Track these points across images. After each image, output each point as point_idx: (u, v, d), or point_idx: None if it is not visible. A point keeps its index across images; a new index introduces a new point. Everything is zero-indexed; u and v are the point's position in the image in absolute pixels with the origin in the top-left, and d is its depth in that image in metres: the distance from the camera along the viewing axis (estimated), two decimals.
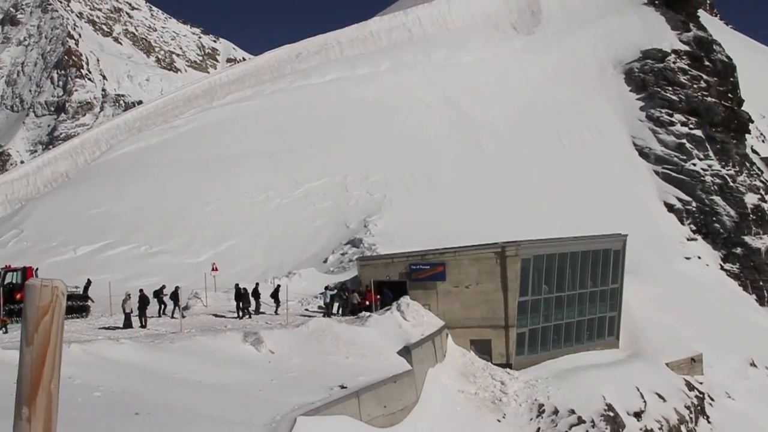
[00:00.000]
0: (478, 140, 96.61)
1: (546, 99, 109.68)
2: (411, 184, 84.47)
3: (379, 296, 45.91)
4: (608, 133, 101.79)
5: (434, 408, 33.97)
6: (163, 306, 43.59)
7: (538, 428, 38.91)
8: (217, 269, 52.76)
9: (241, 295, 42.78)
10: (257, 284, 47.16)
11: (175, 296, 42.27)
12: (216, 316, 43.51)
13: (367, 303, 44.74)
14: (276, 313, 44.09)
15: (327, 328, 35.97)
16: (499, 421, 37.85)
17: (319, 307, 47.36)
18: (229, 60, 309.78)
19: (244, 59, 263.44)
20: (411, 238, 62.74)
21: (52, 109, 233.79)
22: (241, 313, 42.52)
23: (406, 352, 35.22)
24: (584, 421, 39.88)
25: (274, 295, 45.43)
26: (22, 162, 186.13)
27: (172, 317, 42.37)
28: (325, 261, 68.18)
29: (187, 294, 45.95)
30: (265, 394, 25.12)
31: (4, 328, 37.32)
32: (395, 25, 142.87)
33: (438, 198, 79.95)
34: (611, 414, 41.65)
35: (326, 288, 47.34)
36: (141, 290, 39.22)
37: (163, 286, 44.49)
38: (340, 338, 34.89)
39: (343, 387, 27.12)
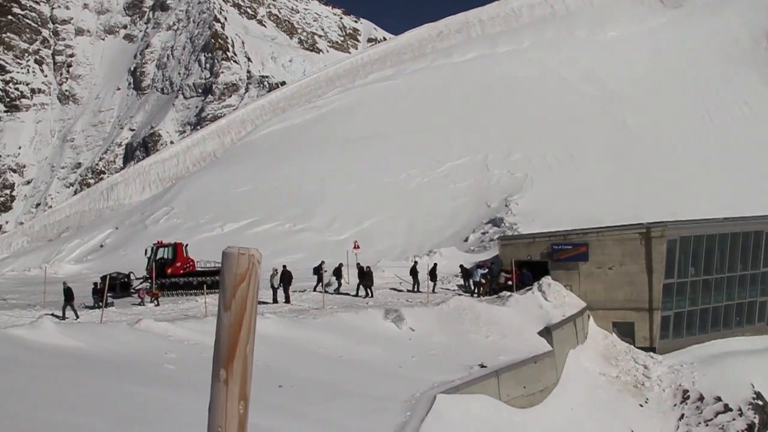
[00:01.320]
0: (622, 118, 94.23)
1: (694, 74, 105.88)
2: (553, 162, 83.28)
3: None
4: (760, 110, 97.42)
5: (574, 390, 33.57)
6: (321, 282, 44.50)
7: (682, 414, 37.82)
8: (359, 247, 53.48)
9: (364, 274, 43.18)
10: (368, 267, 47.61)
11: (361, 273, 43.16)
12: (354, 295, 44.12)
13: (509, 283, 44.43)
14: (433, 291, 44.14)
15: (467, 307, 35.97)
16: (641, 405, 37.05)
17: (459, 286, 47.34)
18: (370, 40, 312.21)
19: (385, 39, 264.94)
20: (553, 218, 62.03)
21: (200, 90, 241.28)
22: (364, 292, 42.88)
23: (546, 332, 34.89)
24: (731, 409, 38.48)
25: (432, 272, 45.57)
26: (171, 142, 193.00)
27: (337, 293, 43.39)
28: (466, 240, 68.08)
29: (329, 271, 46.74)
30: (405, 371, 25.38)
31: (156, 301, 38.77)
32: (537, 2, 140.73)
33: (581, 177, 78.54)
34: (760, 403, 39.99)
35: (477, 266, 47.22)
36: (284, 266, 39.97)
37: (322, 262, 45.33)
38: (480, 317, 34.85)
39: (482, 366, 27.10)
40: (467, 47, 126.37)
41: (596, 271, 44.81)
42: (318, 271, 44.77)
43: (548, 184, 77.47)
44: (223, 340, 3.39)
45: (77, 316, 30.80)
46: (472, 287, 45.18)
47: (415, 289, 44.38)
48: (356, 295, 42.15)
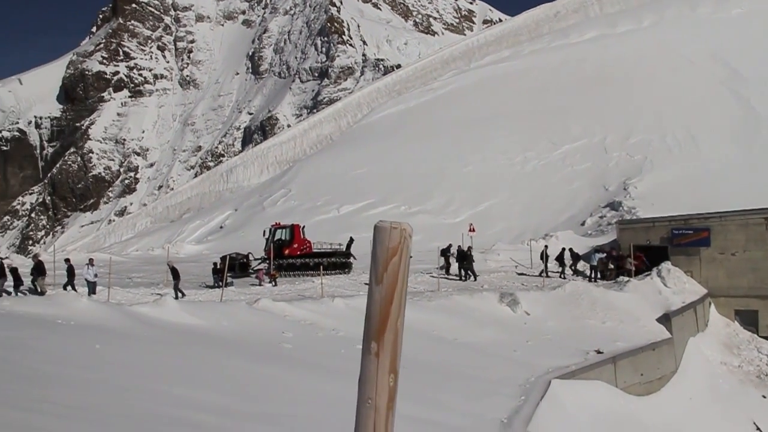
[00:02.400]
0: (747, 98, 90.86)
1: None
2: (673, 144, 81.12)
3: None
4: None
5: (694, 379, 32.76)
6: (447, 265, 44.76)
7: None
8: (474, 230, 53.36)
9: (464, 256, 43.02)
10: (470, 247, 47.32)
11: (462, 256, 43.32)
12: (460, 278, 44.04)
13: (629, 267, 43.61)
14: (562, 276, 43.74)
15: (584, 291, 35.53)
16: (764, 397, 35.87)
17: (575, 271, 46.70)
18: (485, 21, 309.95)
19: (500, 20, 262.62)
20: (673, 202, 60.47)
21: (316, 74, 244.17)
22: (464, 276, 42.71)
23: (665, 319, 34.15)
24: None
25: (560, 257, 45.21)
26: (288, 125, 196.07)
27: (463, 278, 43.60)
28: (583, 224, 67.12)
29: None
30: (520, 355, 25.26)
31: (274, 282, 39.53)
32: None
33: (703, 159, 76.25)
34: None
35: (595, 250, 46.62)
36: (459, 247, 40.22)
37: (450, 245, 45.48)
38: (596, 302, 34.37)
39: (599, 352, 26.75)
40: (585, 27, 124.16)
41: (718, 257, 43.52)
42: (445, 253, 45.04)
43: (668, 166, 75.54)
44: (375, 314, 3.47)
45: (183, 295, 31.60)
46: (589, 271, 44.59)
47: (544, 274, 44.08)
48: (459, 278, 42.21)
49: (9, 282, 30.87)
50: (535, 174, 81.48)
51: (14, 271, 31.34)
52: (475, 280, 41.90)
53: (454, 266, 44.35)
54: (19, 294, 30.10)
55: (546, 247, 47.10)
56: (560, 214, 71.62)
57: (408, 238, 3.48)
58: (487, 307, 31.90)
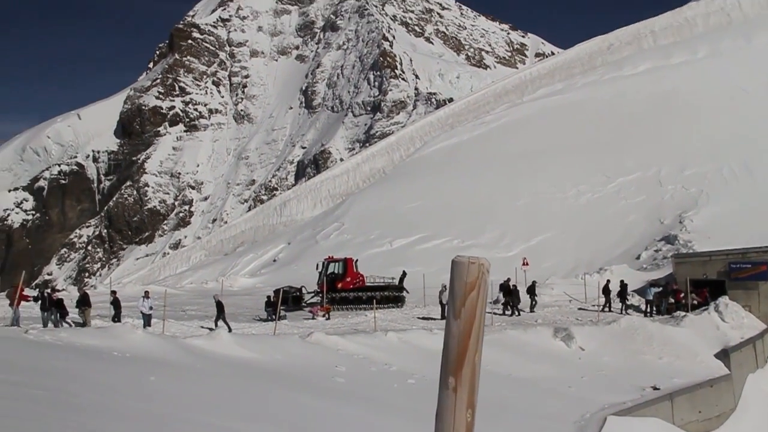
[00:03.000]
0: None
1: None
2: (730, 177, 79.92)
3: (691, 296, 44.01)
4: None
5: (754, 416, 32.06)
6: (508, 301, 44.64)
7: None
8: (528, 264, 53.04)
9: (509, 291, 42.77)
10: (534, 282, 46.90)
11: (507, 290, 43.23)
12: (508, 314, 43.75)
13: (690, 301, 42.97)
14: (625, 312, 43.19)
15: (639, 326, 35.09)
16: None
17: (634, 307, 46.13)
18: (537, 54, 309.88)
19: (553, 53, 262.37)
20: (730, 235, 59.58)
21: (369, 108, 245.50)
22: (510, 310, 42.45)
23: (724, 355, 33.57)
24: None
25: (622, 292, 44.81)
26: (341, 159, 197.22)
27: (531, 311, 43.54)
28: (638, 257, 66.29)
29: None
30: (574, 391, 25.01)
31: (327, 315, 39.60)
32: (713, 10, 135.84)
33: (760, 191, 74.89)
34: None
35: (650, 285, 46.05)
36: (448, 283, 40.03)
37: (508, 279, 45.31)
38: (653, 337, 33.91)
39: (655, 388, 26.37)
40: (639, 59, 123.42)
41: None
42: (504, 287, 44.86)
43: (725, 199, 74.41)
44: (452, 348, 3.47)
45: (230, 329, 31.74)
46: (645, 306, 44.01)
47: (606, 309, 43.69)
48: (503, 314, 41.97)
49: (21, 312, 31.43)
50: (588, 207, 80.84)
51: (60, 302, 31.81)
52: (519, 315, 41.72)
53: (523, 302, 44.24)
54: (64, 325, 30.53)
55: (608, 281, 46.59)
56: (614, 247, 70.86)
57: (486, 272, 3.50)
58: (541, 342, 31.69)
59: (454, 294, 3.50)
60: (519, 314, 41.89)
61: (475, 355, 3.49)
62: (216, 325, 33.11)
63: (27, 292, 34.51)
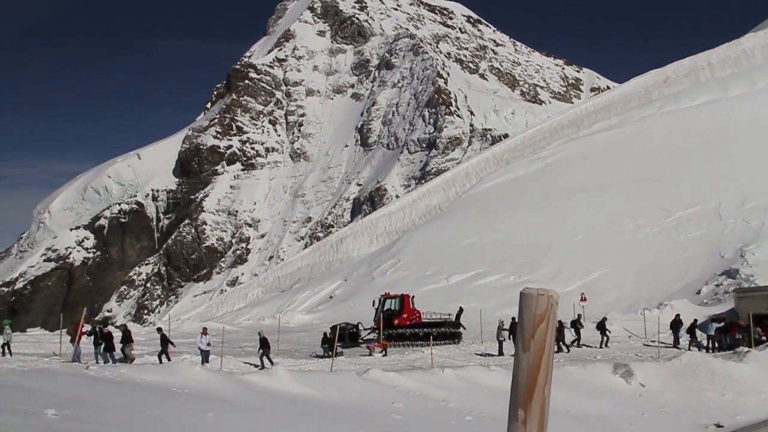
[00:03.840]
0: None
1: None
2: None
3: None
4: None
5: None
6: (580, 336, 44.30)
7: None
8: (585, 299, 52.57)
9: (557, 328, 42.38)
10: (579, 315, 46.38)
11: (601, 326, 42.99)
12: (586, 346, 43.30)
13: (753, 336, 42.09)
14: (696, 348, 42.43)
15: (701, 362, 34.43)
16: None
17: (692, 343, 45.36)
18: (593, 89, 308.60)
19: (608, 87, 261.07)
20: None
21: (424, 145, 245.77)
22: (556, 346, 41.93)
23: None
24: None
25: (691, 329, 44.13)
26: (397, 196, 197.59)
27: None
28: (698, 292, 65.23)
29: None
30: (635, 429, 24.62)
31: (384, 352, 39.58)
32: None
33: None
34: None
35: (711, 320, 45.33)
36: (513, 318, 39.73)
37: (579, 316, 44.89)
38: (715, 374, 33.25)
39: (719, 426, 25.82)
40: (696, 92, 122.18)
41: None
42: (575, 324, 44.55)
43: None
44: (522, 381, 3.51)
45: (272, 364, 31.82)
46: (706, 341, 43.26)
47: (676, 345, 43.10)
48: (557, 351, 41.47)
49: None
50: (647, 242, 79.87)
51: (108, 336, 32.35)
52: (568, 351, 41.20)
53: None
54: (109, 359, 31.03)
55: (678, 315, 45.87)
56: (674, 282, 69.83)
57: (555, 304, 3.52)
58: (600, 379, 31.28)
59: (523, 326, 3.53)
60: (568, 350, 41.42)
61: (545, 388, 3.52)
62: (261, 360, 33.35)
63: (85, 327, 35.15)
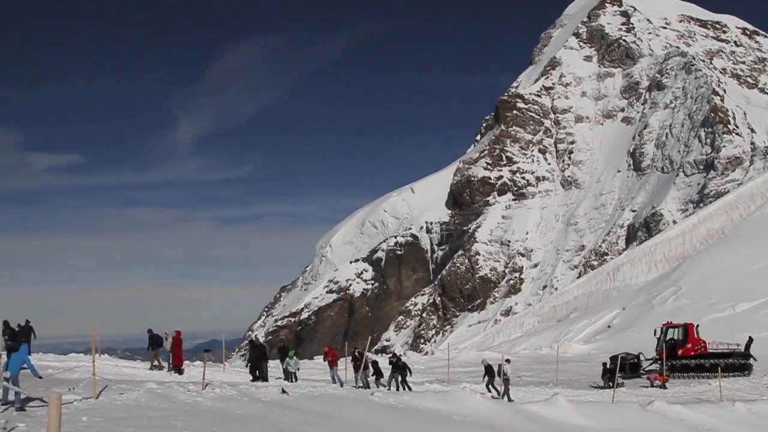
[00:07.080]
0: None
1: None
2: None
3: None
4: None
5: None
6: None
7: None
8: None
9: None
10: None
11: None
12: None
13: None
14: None
15: None
16: None
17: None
18: None
19: None
20: None
21: (701, 167, 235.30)
22: None
23: None
24: None
25: None
26: (674, 221, 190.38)
27: None
28: None
29: None
30: None
31: (663, 385, 38.21)
32: None
33: None
34: None
35: None
36: None
37: None
38: None
39: None
40: None
41: None
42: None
43: None
44: None
45: (498, 394, 31.18)
46: None
47: None
48: None
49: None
50: None
51: (374, 363, 33.24)
52: None
53: None
54: (378, 386, 31.78)
55: None
56: None
57: None
58: None
59: None
60: None
61: None
62: (487, 389, 33.06)
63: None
